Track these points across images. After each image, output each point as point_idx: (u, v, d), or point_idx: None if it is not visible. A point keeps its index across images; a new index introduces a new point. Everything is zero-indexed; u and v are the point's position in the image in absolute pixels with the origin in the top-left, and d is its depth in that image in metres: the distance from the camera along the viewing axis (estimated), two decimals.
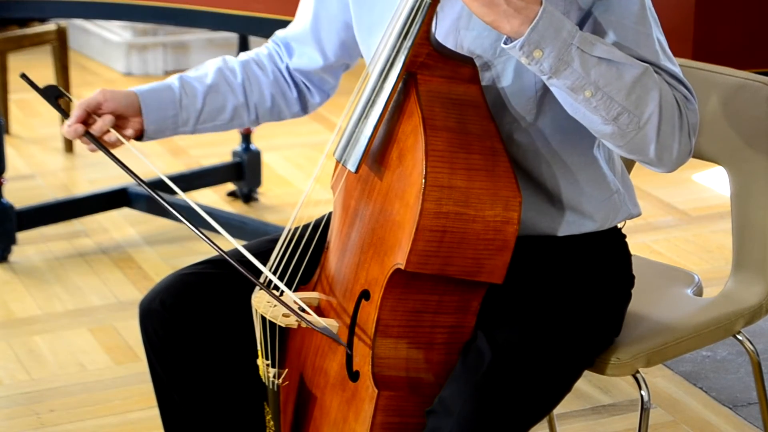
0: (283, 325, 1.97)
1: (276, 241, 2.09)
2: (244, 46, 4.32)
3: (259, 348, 2.05)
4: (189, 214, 2.06)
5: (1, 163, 3.88)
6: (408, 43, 1.88)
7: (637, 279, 2.18)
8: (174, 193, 4.28)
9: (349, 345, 1.95)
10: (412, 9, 1.87)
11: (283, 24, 3.32)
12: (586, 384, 3.15)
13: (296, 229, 2.11)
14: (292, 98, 2.27)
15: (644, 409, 2.18)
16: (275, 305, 1.97)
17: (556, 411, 2.93)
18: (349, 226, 2.00)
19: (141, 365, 3.25)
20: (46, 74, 5.38)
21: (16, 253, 3.95)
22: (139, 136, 2.16)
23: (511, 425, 1.89)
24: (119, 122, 2.12)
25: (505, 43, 1.84)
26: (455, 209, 1.83)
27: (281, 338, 2.07)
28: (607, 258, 2.11)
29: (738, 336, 2.34)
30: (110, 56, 6.03)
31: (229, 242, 2.01)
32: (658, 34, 1.94)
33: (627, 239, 2.16)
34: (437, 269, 1.85)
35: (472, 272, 1.86)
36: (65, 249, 4.01)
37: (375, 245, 1.92)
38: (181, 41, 5.97)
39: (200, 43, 5.98)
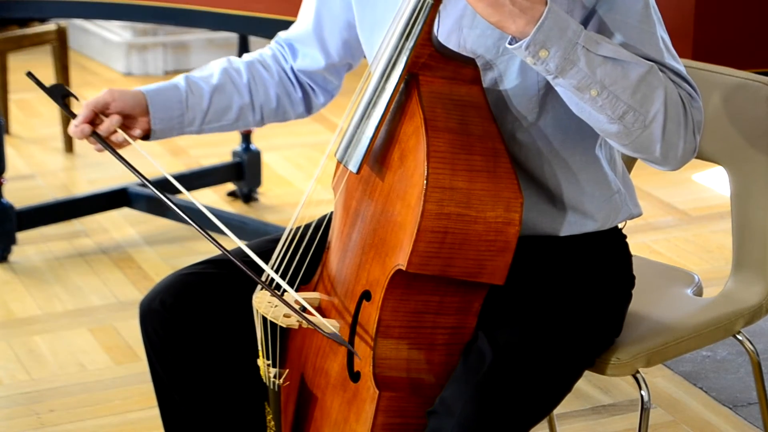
0: (284, 326, 1.97)
1: (277, 241, 2.09)
2: (244, 46, 4.32)
3: (259, 348, 2.05)
4: (192, 213, 2.06)
5: (1, 163, 3.88)
6: (410, 44, 1.88)
7: (637, 279, 2.18)
8: (177, 192, 4.29)
9: (350, 344, 1.95)
10: (414, 10, 1.87)
11: (284, 24, 3.33)
12: (586, 384, 3.15)
13: (297, 229, 2.11)
14: (297, 99, 2.27)
15: (644, 409, 2.18)
16: (276, 305, 1.97)
17: (556, 411, 2.93)
18: (351, 227, 2.00)
19: (141, 365, 3.25)
20: (46, 74, 5.38)
21: (16, 253, 3.95)
22: (146, 136, 2.16)
23: (512, 425, 1.89)
24: (126, 122, 2.12)
25: (510, 44, 1.84)
26: (457, 210, 1.83)
27: (282, 338, 2.07)
28: (607, 258, 2.11)
29: (738, 336, 2.34)
30: (110, 56, 6.03)
31: (232, 242, 2.01)
32: (662, 32, 1.94)
33: (627, 239, 2.16)
34: (438, 270, 1.85)
35: (473, 273, 1.86)
36: (65, 249, 4.01)
37: (376, 246, 1.92)
38: (181, 41, 5.97)
39: (200, 43, 5.98)
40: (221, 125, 2.22)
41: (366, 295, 1.93)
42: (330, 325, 1.94)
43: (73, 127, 2.09)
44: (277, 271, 2.02)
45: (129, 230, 4.15)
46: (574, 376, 2.03)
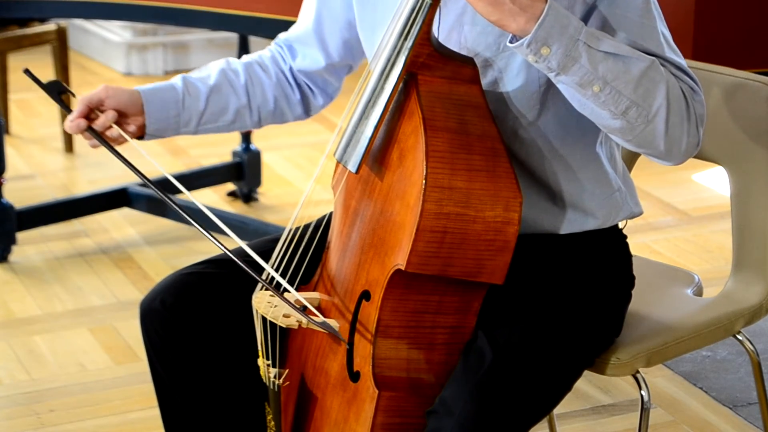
0: (283, 326, 1.97)
1: (277, 241, 2.09)
2: (244, 46, 4.32)
3: (259, 348, 2.05)
4: (191, 212, 2.07)
5: (1, 163, 3.88)
6: (409, 44, 1.88)
7: (638, 279, 2.18)
8: (177, 192, 4.29)
9: (350, 344, 1.95)
10: (413, 9, 1.87)
11: (284, 24, 3.33)
12: (586, 384, 3.15)
13: (297, 229, 2.11)
14: (295, 101, 2.27)
15: (644, 409, 2.18)
16: (275, 305, 1.97)
17: (556, 411, 2.93)
18: (350, 227, 2.00)
19: (141, 365, 3.25)
20: (46, 74, 5.37)
21: (16, 253, 3.95)
22: (141, 136, 2.16)
23: (511, 425, 1.89)
24: (120, 119, 2.13)
25: (511, 42, 1.84)
26: (456, 210, 1.83)
27: (282, 338, 2.07)
28: (608, 258, 2.11)
29: (738, 336, 2.34)
30: (110, 56, 6.03)
31: (232, 241, 2.01)
32: (662, 27, 1.94)
33: (627, 240, 2.16)
34: (438, 270, 1.85)
35: (472, 273, 1.86)
36: (65, 249, 4.01)
37: (375, 246, 1.92)
38: (181, 41, 5.97)
39: (200, 43, 5.98)
40: (218, 126, 2.22)
41: (365, 295, 1.93)
42: (330, 324, 1.94)
43: (69, 122, 2.09)
44: (276, 271, 2.02)
45: (129, 230, 4.15)
46: (574, 376, 2.03)
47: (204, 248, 3.87)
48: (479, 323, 1.94)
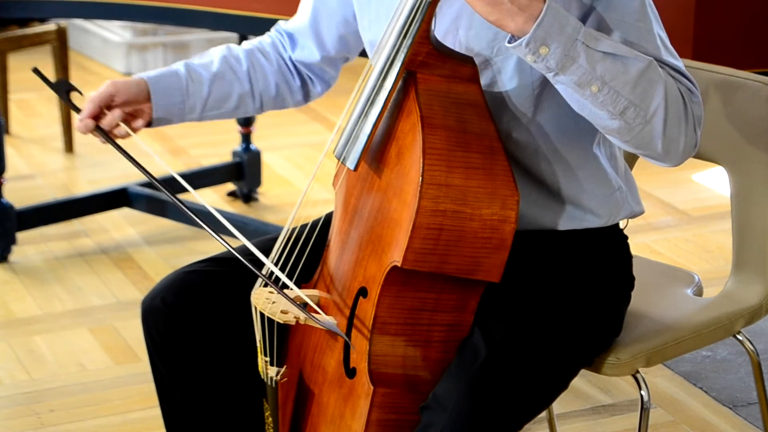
0: (281, 322, 1.97)
1: (275, 239, 2.09)
2: None
3: (258, 345, 2.05)
4: (193, 210, 2.08)
5: (1, 163, 3.88)
6: (408, 42, 1.88)
7: (638, 279, 2.18)
8: (180, 191, 4.29)
9: (348, 340, 1.95)
10: (413, 8, 1.87)
11: None
12: (586, 384, 3.15)
13: (297, 227, 2.11)
14: (296, 87, 2.28)
15: (644, 409, 2.18)
16: (273, 302, 1.98)
17: (556, 411, 2.93)
18: (349, 224, 2.00)
19: (141, 365, 3.25)
20: (46, 74, 5.38)
21: (16, 253, 3.95)
22: (149, 124, 2.18)
23: (505, 422, 1.89)
24: (132, 111, 2.15)
25: (509, 42, 1.84)
26: (452, 207, 1.83)
27: (281, 335, 2.07)
28: (607, 258, 2.11)
29: (738, 336, 2.34)
30: (110, 56, 6.03)
31: (235, 240, 2.01)
32: (659, 29, 1.95)
33: (628, 240, 2.17)
34: (434, 267, 1.85)
35: (469, 270, 1.86)
36: (65, 249, 4.01)
37: (373, 242, 1.92)
38: (181, 41, 5.97)
39: (200, 43, 5.98)
40: (221, 113, 2.23)
41: (363, 292, 1.93)
42: (329, 319, 1.94)
43: (78, 121, 2.11)
44: (276, 265, 2.03)
45: (129, 230, 4.15)
46: (570, 374, 2.03)
47: (204, 248, 3.87)
48: (476, 319, 1.94)
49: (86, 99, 2.13)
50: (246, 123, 4.38)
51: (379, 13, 2.06)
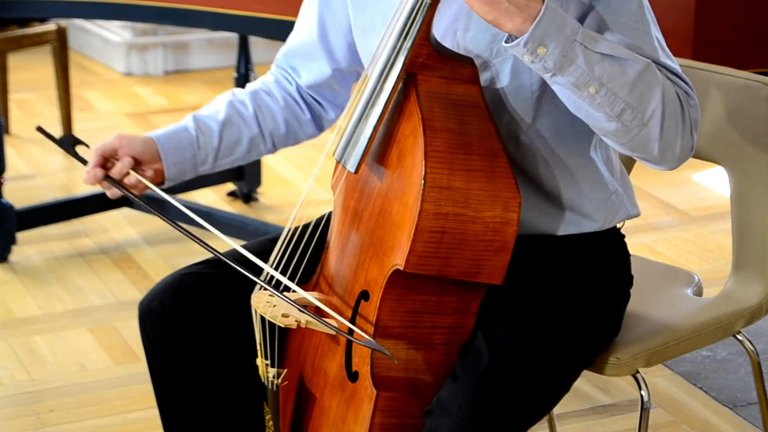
0: (282, 326, 1.97)
1: (276, 241, 2.09)
2: (244, 46, 4.32)
3: (258, 348, 2.05)
4: (188, 219, 2.06)
5: (1, 163, 3.88)
6: (408, 44, 1.88)
7: (637, 279, 2.18)
8: (180, 190, 4.28)
9: (349, 344, 1.95)
10: (412, 9, 1.87)
11: (283, 24, 3.33)
12: (586, 384, 3.15)
13: (296, 228, 2.10)
14: (306, 120, 2.25)
15: (644, 409, 2.18)
16: (274, 305, 1.97)
17: (556, 411, 2.93)
18: (349, 227, 2.00)
19: (141, 365, 3.25)
20: (46, 74, 5.39)
21: (16, 253, 3.95)
22: (161, 182, 2.14)
23: (509, 426, 1.89)
24: (136, 166, 2.10)
25: (506, 42, 1.84)
26: (454, 210, 1.83)
27: (281, 338, 2.07)
28: (606, 258, 2.11)
29: (738, 336, 2.34)
30: (110, 56, 6.03)
31: (229, 243, 2.01)
32: (656, 32, 1.95)
33: (627, 239, 2.16)
34: (436, 270, 1.85)
35: (471, 273, 1.86)
36: (65, 249, 4.01)
37: (374, 246, 1.92)
38: (181, 41, 5.97)
39: (200, 43, 5.98)
40: (233, 159, 2.20)
41: (364, 295, 1.93)
42: (330, 323, 1.93)
43: (86, 173, 2.06)
44: (276, 269, 2.02)
45: (129, 230, 4.15)
46: (572, 376, 2.03)
47: (203, 249, 3.87)
48: (477, 323, 1.94)
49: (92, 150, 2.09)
50: None
51: (375, 18, 2.05)
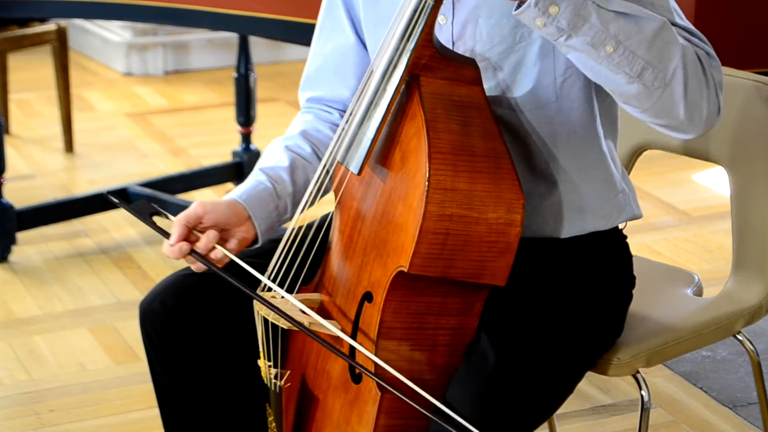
0: (285, 328, 1.96)
1: (276, 241, 2.09)
2: (244, 46, 4.32)
3: (260, 349, 2.04)
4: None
5: (1, 163, 3.88)
6: (411, 45, 1.87)
7: (638, 279, 2.18)
8: (177, 191, 4.28)
9: (352, 347, 1.94)
10: (415, 11, 1.86)
11: (283, 24, 3.33)
12: (586, 384, 3.15)
13: (298, 229, 2.10)
14: None
15: (644, 409, 2.19)
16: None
17: (556, 411, 2.93)
18: (352, 228, 1.99)
19: (141, 365, 3.25)
20: (46, 74, 5.39)
21: (16, 253, 3.95)
22: (254, 241, 2.06)
23: (514, 426, 1.89)
24: (222, 232, 2.01)
25: (516, 9, 1.79)
26: (458, 212, 1.83)
27: (283, 339, 2.07)
28: (608, 259, 2.11)
29: (738, 336, 2.34)
30: (110, 56, 6.03)
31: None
32: (674, 3, 1.91)
33: (628, 240, 2.16)
34: (440, 272, 1.85)
35: (475, 275, 1.86)
36: (65, 249, 4.01)
37: (378, 247, 1.92)
38: (181, 41, 5.97)
39: (200, 43, 5.98)
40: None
41: (367, 297, 1.93)
42: (332, 326, 1.93)
43: (168, 246, 1.96)
44: (278, 273, 2.02)
45: (129, 230, 4.15)
46: (577, 377, 2.03)
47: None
48: (482, 325, 1.93)
49: (173, 223, 2.00)
50: (246, 123, 4.38)
51: (390, 12, 2.03)
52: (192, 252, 1.96)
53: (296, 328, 1.93)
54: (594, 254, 2.08)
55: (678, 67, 1.82)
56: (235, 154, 4.43)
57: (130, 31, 5.94)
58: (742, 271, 2.37)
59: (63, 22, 4.81)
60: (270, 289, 1.99)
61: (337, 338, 1.93)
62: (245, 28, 3.60)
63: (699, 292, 2.42)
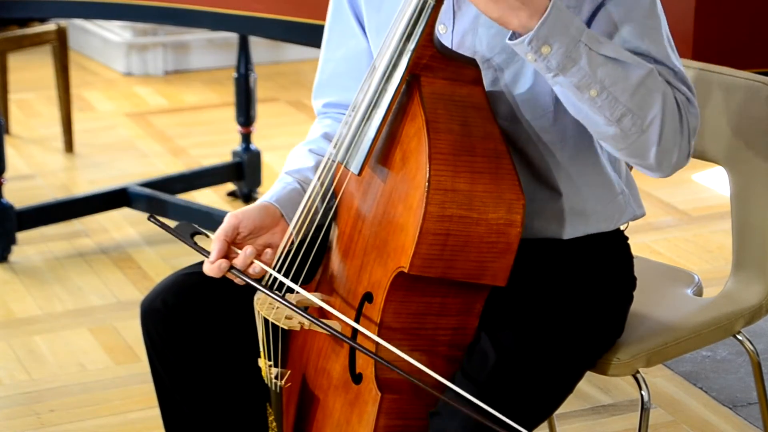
0: (285, 328, 1.96)
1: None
2: (244, 46, 4.31)
3: (261, 349, 2.04)
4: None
5: (1, 163, 3.88)
6: (411, 45, 1.87)
7: (638, 279, 2.18)
8: (176, 191, 4.28)
9: (352, 347, 1.95)
10: (416, 10, 1.86)
11: (284, 24, 3.33)
12: (586, 384, 3.15)
13: (299, 228, 2.10)
14: None
15: (644, 409, 2.19)
16: (277, 307, 1.97)
17: (556, 411, 2.93)
18: (352, 228, 1.99)
19: (141, 365, 3.25)
20: (46, 74, 5.38)
21: (16, 253, 3.95)
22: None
23: (514, 427, 1.89)
24: (258, 240, 2.01)
25: (510, 39, 1.83)
26: (459, 212, 1.82)
27: (284, 339, 2.07)
28: (609, 260, 2.11)
29: (738, 336, 2.34)
30: (110, 56, 6.03)
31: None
32: (666, 30, 1.94)
33: (628, 241, 2.17)
34: (440, 272, 1.85)
35: (475, 275, 1.86)
36: (65, 249, 4.01)
37: (378, 248, 1.92)
38: (181, 41, 5.97)
39: (200, 43, 5.98)
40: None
41: (368, 297, 1.93)
42: (332, 325, 1.93)
43: (208, 264, 1.97)
44: (279, 271, 2.02)
45: (129, 230, 4.15)
46: (577, 377, 2.03)
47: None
48: (482, 325, 1.93)
49: (211, 240, 1.99)
50: (246, 123, 4.38)
51: (382, 15, 2.04)
52: (231, 268, 1.97)
53: (297, 327, 1.94)
54: (595, 255, 2.09)
55: (657, 116, 1.86)
56: (235, 154, 4.43)
57: (130, 31, 5.94)
58: (742, 271, 2.37)
59: (63, 22, 4.81)
60: (281, 285, 1.97)
61: (353, 335, 1.92)
62: (245, 28, 3.60)
63: (699, 292, 2.42)
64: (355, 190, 2.00)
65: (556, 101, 1.97)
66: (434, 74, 1.89)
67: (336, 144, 1.99)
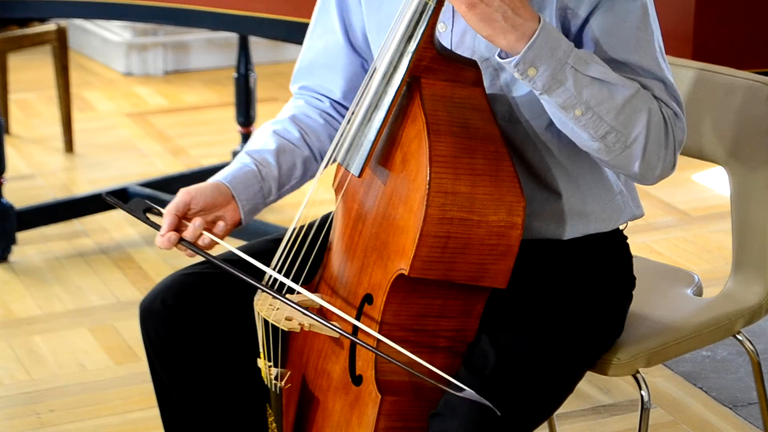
0: (285, 329, 1.96)
1: (277, 241, 2.09)
2: (244, 46, 4.32)
3: (261, 350, 2.04)
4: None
5: (1, 163, 3.88)
6: (412, 47, 1.87)
7: (638, 279, 2.19)
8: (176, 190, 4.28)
9: (352, 349, 1.94)
10: (416, 12, 1.86)
11: (283, 24, 3.33)
12: (586, 384, 3.15)
13: (300, 229, 2.10)
14: None
15: (644, 409, 2.19)
16: (277, 308, 1.97)
17: (556, 411, 2.93)
18: (352, 230, 1.99)
19: (141, 365, 3.25)
20: (46, 74, 5.39)
21: (16, 253, 3.95)
22: (237, 223, 2.10)
23: (516, 427, 1.89)
24: (209, 217, 2.06)
25: (499, 56, 1.85)
26: (459, 215, 1.82)
27: (283, 340, 2.07)
28: (609, 260, 2.11)
29: (738, 336, 2.34)
30: (110, 56, 6.03)
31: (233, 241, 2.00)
32: (659, 42, 1.94)
33: (628, 240, 2.17)
34: (441, 275, 1.84)
35: (475, 277, 1.86)
36: (65, 249, 4.01)
37: (378, 249, 1.91)
38: (181, 41, 5.97)
39: (200, 43, 5.98)
40: (292, 185, 2.16)
41: (368, 299, 1.93)
42: (333, 326, 1.93)
43: (159, 237, 2.01)
44: (279, 272, 2.02)
45: (129, 230, 4.15)
46: (577, 377, 2.03)
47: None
48: (482, 326, 1.93)
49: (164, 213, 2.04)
50: (246, 123, 4.38)
51: (391, 16, 2.03)
52: (181, 240, 2.01)
53: (297, 329, 1.94)
54: (594, 255, 2.09)
55: (641, 134, 1.88)
56: (235, 154, 4.43)
57: (130, 31, 5.94)
58: (742, 271, 2.37)
59: (63, 22, 4.81)
60: (281, 286, 1.98)
61: (353, 334, 1.93)
62: (245, 28, 3.60)
63: (699, 292, 2.42)
64: (355, 192, 2.00)
65: None
66: (435, 76, 1.89)
67: (336, 145, 1.99)
